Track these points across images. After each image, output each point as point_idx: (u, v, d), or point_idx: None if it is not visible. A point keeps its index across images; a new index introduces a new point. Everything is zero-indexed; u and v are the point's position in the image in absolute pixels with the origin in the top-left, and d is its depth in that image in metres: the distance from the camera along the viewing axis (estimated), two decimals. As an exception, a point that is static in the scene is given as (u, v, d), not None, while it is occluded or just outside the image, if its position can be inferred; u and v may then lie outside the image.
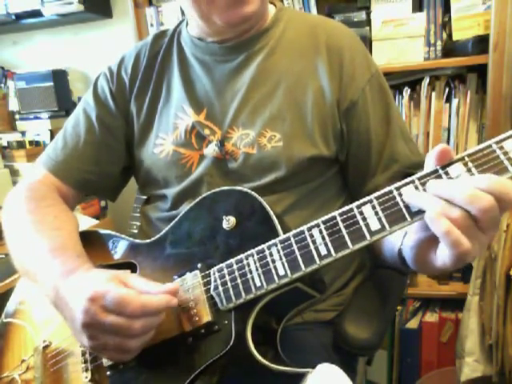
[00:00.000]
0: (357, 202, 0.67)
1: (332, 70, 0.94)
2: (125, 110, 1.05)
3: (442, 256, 0.62)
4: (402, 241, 0.76)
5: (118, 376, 0.81)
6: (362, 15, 1.74)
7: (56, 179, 1.04)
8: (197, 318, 0.76)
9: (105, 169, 1.07)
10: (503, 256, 1.50)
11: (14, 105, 2.40)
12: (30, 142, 2.22)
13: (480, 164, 0.60)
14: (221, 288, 0.76)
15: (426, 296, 1.92)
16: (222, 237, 0.80)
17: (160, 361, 0.79)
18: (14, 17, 2.20)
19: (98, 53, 2.38)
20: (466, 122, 1.71)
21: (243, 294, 0.74)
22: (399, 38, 1.71)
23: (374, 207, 0.65)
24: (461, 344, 1.67)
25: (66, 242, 0.88)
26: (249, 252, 0.75)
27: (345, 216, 0.67)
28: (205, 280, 0.78)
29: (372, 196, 0.66)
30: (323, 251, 0.68)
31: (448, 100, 1.72)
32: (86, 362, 0.84)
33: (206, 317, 0.76)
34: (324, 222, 0.69)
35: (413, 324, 1.92)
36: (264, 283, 0.72)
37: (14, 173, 2.18)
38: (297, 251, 0.70)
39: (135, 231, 1.82)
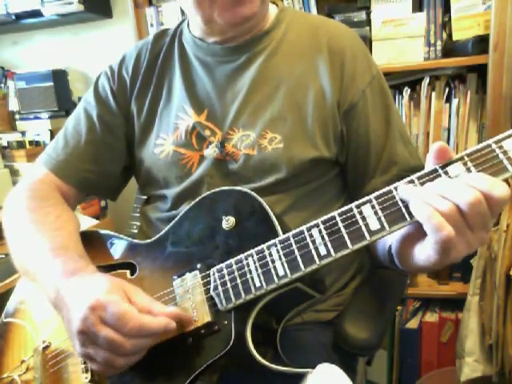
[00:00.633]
0: (356, 202, 0.67)
1: (333, 71, 0.94)
2: (125, 109, 1.05)
3: (427, 248, 0.63)
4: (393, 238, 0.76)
5: (118, 377, 0.81)
6: (362, 15, 1.73)
7: (57, 178, 1.04)
8: (197, 319, 0.76)
9: (106, 168, 1.06)
10: (503, 256, 1.50)
11: (14, 105, 2.40)
12: (30, 142, 2.22)
13: (479, 163, 0.60)
14: (220, 288, 0.76)
15: (425, 296, 1.92)
16: (221, 237, 0.80)
17: (160, 361, 0.79)
18: (14, 17, 2.20)
19: (98, 53, 2.38)
20: (465, 122, 1.71)
21: (243, 294, 0.74)
22: (399, 38, 1.71)
23: (373, 207, 0.65)
24: (461, 344, 1.67)
25: (68, 242, 0.88)
26: (248, 252, 0.75)
27: (344, 216, 0.68)
28: (204, 280, 0.78)
29: (371, 196, 0.66)
30: (323, 251, 0.68)
31: (448, 100, 1.72)
32: (85, 362, 0.84)
33: (206, 317, 0.76)
34: (323, 222, 0.69)
35: (413, 324, 1.91)
36: (264, 283, 0.72)
37: (14, 173, 2.18)
38: (296, 251, 0.70)
39: (135, 231, 1.82)
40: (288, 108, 0.94)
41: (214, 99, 0.98)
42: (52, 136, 2.25)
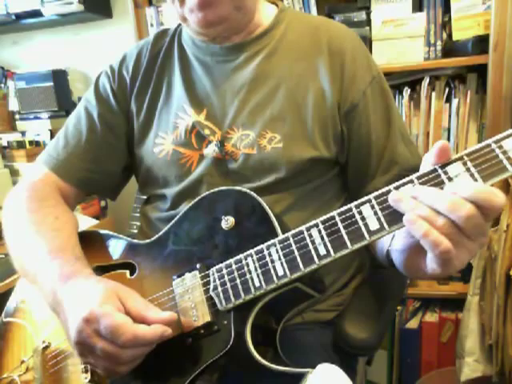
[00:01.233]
0: (355, 202, 0.67)
1: (333, 72, 0.94)
2: (126, 108, 1.05)
3: (430, 262, 0.63)
4: (390, 242, 0.76)
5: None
6: (362, 15, 1.73)
7: (57, 178, 1.04)
8: (196, 319, 0.76)
9: (106, 167, 1.06)
10: (503, 256, 1.50)
11: (14, 105, 2.40)
12: (30, 142, 2.22)
13: (479, 163, 0.60)
14: (220, 288, 0.76)
15: (426, 296, 1.92)
16: (220, 237, 0.80)
17: (160, 361, 0.79)
18: (14, 17, 2.20)
19: (98, 53, 2.38)
20: (465, 122, 1.71)
21: (242, 294, 0.74)
22: (399, 38, 1.71)
23: (372, 207, 0.65)
24: (461, 344, 1.67)
25: (65, 244, 0.88)
26: (248, 252, 0.75)
27: (344, 216, 0.68)
28: (204, 280, 0.78)
29: (371, 196, 0.66)
30: (322, 251, 0.68)
31: (448, 100, 1.72)
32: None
33: (206, 317, 0.76)
34: (323, 222, 0.69)
35: (413, 324, 1.91)
36: (263, 283, 0.72)
37: (14, 173, 2.18)
38: (296, 251, 0.70)
39: (135, 231, 1.82)
40: (288, 108, 0.94)
41: (213, 98, 0.98)
42: (52, 136, 2.25)
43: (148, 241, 0.90)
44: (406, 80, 1.77)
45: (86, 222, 1.93)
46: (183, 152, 0.97)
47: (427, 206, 0.60)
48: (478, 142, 1.72)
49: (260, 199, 0.79)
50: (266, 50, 0.98)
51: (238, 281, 0.74)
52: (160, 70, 1.04)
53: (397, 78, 1.77)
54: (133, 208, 1.92)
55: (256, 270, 0.73)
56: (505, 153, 0.59)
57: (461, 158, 0.61)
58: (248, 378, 0.75)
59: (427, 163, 0.64)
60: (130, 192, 1.25)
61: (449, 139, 1.74)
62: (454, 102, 1.70)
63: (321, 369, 0.73)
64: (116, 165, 1.08)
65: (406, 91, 1.74)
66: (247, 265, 0.74)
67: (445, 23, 1.71)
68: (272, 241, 0.73)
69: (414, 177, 0.64)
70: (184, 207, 0.89)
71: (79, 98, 2.36)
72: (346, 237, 0.67)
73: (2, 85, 2.45)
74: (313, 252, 0.69)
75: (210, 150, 0.95)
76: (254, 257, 0.74)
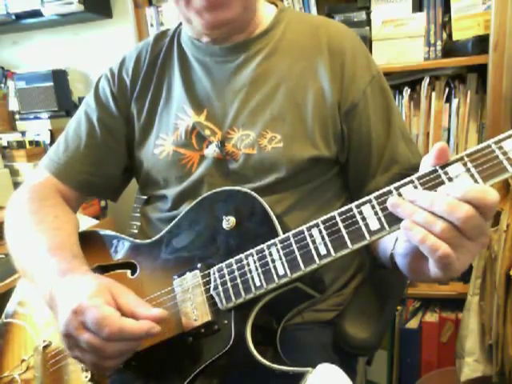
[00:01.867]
0: (356, 202, 0.67)
1: (333, 72, 0.94)
2: (126, 111, 1.05)
3: (431, 266, 0.63)
4: (393, 245, 0.76)
5: (118, 376, 0.81)
6: (362, 15, 1.73)
7: (58, 181, 1.04)
8: (197, 318, 0.76)
9: (106, 170, 1.07)
10: (503, 256, 1.50)
11: (14, 105, 2.41)
12: (30, 142, 2.22)
13: (479, 164, 0.60)
14: (220, 288, 0.76)
15: (425, 296, 1.92)
16: (221, 237, 0.80)
17: (160, 360, 0.79)
18: (14, 17, 2.21)
19: (98, 53, 2.38)
20: (465, 122, 1.71)
21: (243, 293, 0.74)
22: (399, 38, 1.71)
23: (373, 207, 0.65)
24: (461, 344, 1.67)
25: (64, 242, 0.88)
26: (248, 252, 0.75)
27: (344, 216, 0.68)
28: (205, 280, 0.78)
29: (371, 196, 0.66)
30: (323, 251, 0.68)
31: (448, 100, 1.72)
32: (85, 361, 0.84)
33: (206, 316, 0.76)
34: (323, 222, 0.69)
35: (413, 324, 1.91)
36: (264, 283, 0.72)
37: (14, 173, 2.18)
38: (296, 251, 0.70)
39: (135, 231, 1.82)
40: (288, 107, 0.94)
41: (213, 99, 0.98)
42: (52, 136, 2.25)
43: (149, 241, 0.90)
44: (406, 80, 1.77)
45: (86, 222, 1.93)
46: (184, 153, 0.98)
47: (425, 209, 0.60)
48: (477, 142, 1.72)
49: (261, 199, 0.79)
50: (266, 50, 0.98)
51: (238, 280, 0.74)
52: (160, 72, 1.04)
53: (397, 78, 1.77)
54: (133, 208, 1.92)
55: (257, 269, 0.73)
56: (505, 153, 0.59)
57: (461, 159, 0.61)
58: (248, 378, 0.75)
59: (426, 165, 0.64)
60: (130, 192, 1.25)
61: (449, 139, 1.74)
62: (454, 101, 1.70)
63: (321, 369, 0.73)
64: (116, 167, 1.08)
65: (406, 91, 1.74)
66: (248, 264, 0.74)
67: (445, 23, 1.71)
68: (273, 240, 0.73)
69: (414, 177, 0.64)
70: (185, 207, 0.90)
71: (79, 98, 2.36)
72: (346, 237, 0.67)
73: (2, 85, 2.45)
74: (313, 252, 0.69)
75: (211, 151, 0.95)
76: (255, 256, 0.74)
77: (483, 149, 0.60)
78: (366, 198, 0.67)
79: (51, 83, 2.28)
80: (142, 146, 1.03)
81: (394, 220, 0.64)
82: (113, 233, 0.96)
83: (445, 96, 1.71)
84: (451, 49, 1.70)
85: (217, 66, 0.99)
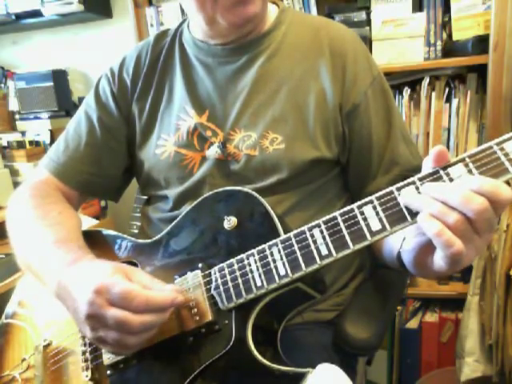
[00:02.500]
0: (358, 203, 0.67)
1: (335, 73, 0.94)
2: (126, 112, 1.05)
3: (438, 259, 0.63)
4: (401, 244, 0.76)
5: (119, 375, 0.81)
6: (362, 15, 1.74)
7: (58, 181, 1.04)
8: (197, 318, 0.76)
9: (106, 170, 1.07)
10: (503, 256, 1.50)
11: (14, 105, 2.40)
12: (30, 142, 2.22)
13: (481, 165, 0.60)
14: (222, 287, 0.76)
15: (426, 296, 1.92)
16: (223, 237, 0.80)
17: (160, 360, 0.79)
18: (13, 17, 2.21)
19: (98, 53, 2.38)
20: (465, 122, 1.71)
21: (244, 293, 0.74)
22: (399, 38, 1.71)
23: (374, 207, 0.66)
24: (461, 344, 1.67)
25: (69, 236, 0.88)
26: (250, 252, 0.75)
27: (346, 216, 0.68)
28: (206, 279, 0.78)
29: (373, 196, 0.66)
30: (324, 251, 0.68)
31: (448, 100, 1.72)
32: (86, 360, 0.84)
33: (207, 316, 0.76)
34: (325, 222, 0.69)
35: (413, 324, 1.92)
36: (265, 283, 0.72)
37: (14, 173, 2.18)
38: (297, 251, 0.70)
39: (135, 231, 1.82)
40: (289, 109, 0.94)
41: (215, 100, 0.98)
42: (52, 136, 2.25)
43: (150, 240, 0.90)
44: (406, 80, 1.77)
45: (86, 222, 1.93)
46: (185, 153, 0.98)
47: (439, 200, 0.60)
48: (478, 142, 1.72)
49: (262, 199, 0.79)
50: (268, 51, 0.98)
51: (239, 280, 0.74)
52: (161, 72, 1.04)
53: (397, 78, 1.77)
54: (133, 208, 1.92)
55: (258, 269, 0.73)
56: (506, 155, 0.59)
57: (462, 160, 0.61)
58: (248, 378, 0.76)
59: (427, 168, 0.64)
60: (130, 192, 1.25)
61: (449, 139, 1.74)
62: (454, 101, 1.71)
63: (321, 369, 0.73)
64: (116, 167, 1.08)
65: (406, 91, 1.74)
66: (249, 264, 0.74)
67: (445, 23, 1.71)
68: (274, 241, 0.73)
69: (416, 178, 0.64)
70: (186, 208, 0.90)
71: (79, 98, 2.36)
72: (347, 237, 0.67)
73: (2, 85, 2.45)
74: (314, 252, 0.69)
75: (212, 152, 0.95)
76: (256, 256, 0.74)
77: (485, 150, 0.61)
78: (368, 198, 0.67)
79: (51, 83, 2.27)
80: (143, 147, 1.03)
81: (395, 220, 0.64)
82: (114, 232, 0.97)
83: (445, 96, 1.72)
84: (451, 49, 1.70)
85: (219, 66, 0.99)
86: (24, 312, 0.99)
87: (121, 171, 1.09)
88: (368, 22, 1.74)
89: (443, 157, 0.62)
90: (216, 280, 0.77)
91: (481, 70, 1.66)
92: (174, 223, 0.88)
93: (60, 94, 2.30)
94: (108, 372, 0.81)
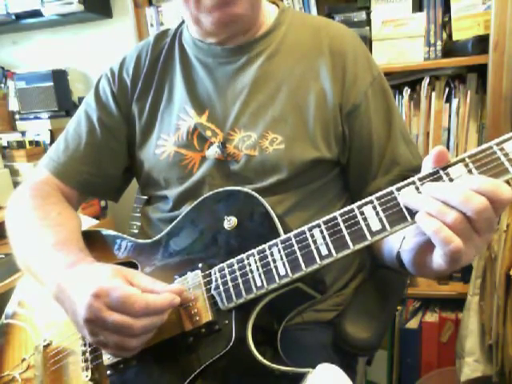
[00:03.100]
0: (358, 203, 0.67)
1: (335, 74, 0.94)
2: (126, 112, 1.05)
3: (437, 258, 0.63)
4: (400, 244, 0.76)
5: (119, 375, 0.81)
6: (362, 15, 1.74)
7: (58, 181, 1.04)
8: (197, 318, 0.76)
9: (106, 170, 1.07)
10: (503, 256, 1.50)
11: (14, 105, 2.40)
12: (30, 142, 2.22)
13: (481, 165, 0.61)
14: (222, 287, 0.76)
15: (426, 296, 1.92)
16: (223, 237, 0.80)
17: (160, 360, 0.79)
18: (13, 17, 2.21)
19: (98, 53, 2.38)
20: (465, 122, 1.71)
21: (244, 293, 0.74)
22: (399, 38, 1.71)
23: (374, 207, 0.66)
24: (461, 344, 1.67)
25: (69, 237, 0.88)
26: (250, 252, 0.75)
27: (346, 216, 0.68)
28: (206, 279, 0.78)
29: (373, 196, 0.66)
30: (324, 251, 0.68)
31: (448, 100, 1.72)
32: (86, 361, 0.84)
33: (207, 316, 0.76)
34: (325, 223, 0.69)
35: (413, 324, 1.92)
36: (265, 283, 0.72)
37: (14, 173, 2.18)
38: (298, 251, 0.70)
39: (135, 231, 1.82)
40: (289, 109, 0.94)
41: (214, 100, 0.98)
42: (52, 136, 2.25)
43: (150, 240, 0.90)
44: (406, 80, 1.77)
45: (86, 222, 1.93)
46: (185, 153, 0.98)
47: (439, 200, 0.60)
48: (477, 142, 1.73)
49: (262, 199, 0.79)
50: (268, 51, 0.98)
51: (239, 280, 0.74)
52: (161, 72, 1.04)
53: (397, 78, 1.77)
54: (133, 208, 1.92)
55: (258, 269, 0.73)
56: (506, 155, 0.59)
57: (462, 160, 0.62)
58: (248, 378, 0.76)
59: (427, 168, 0.64)
60: (130, 192, 1.25)
61: (449, 139, 1.74)
62: (454, 101, 1.70)
63: (321, 369, 0.73)
64: (116, 167, 1.08)
65: (406, 91, 1.74)
66: (249, 264, 0.74)
67: (445, 23, 1.71)
68: (274, 241, 0.73)
69: (415, 178, 0.64)
70: (186, 208, 0.90)
71: (79, 98, 2.36)
72: (347, 237, 0.67)
73: (2, 85, 2.45)
74: (314, 252, 0.69)
75: (212, 152, 0.95)
76: (256, 256, 0.74)
77: (485, 150, 0.61)
78: (368, 198, 0.67)
79: (51, 83, 2.27)
80: (143, 147, 1.03)
81: (395, 220, 0.64)
82: (114, 232, 0.97)
83: (445, 96, 1.72)
84: (451, 49, 1.70)
85: (219, 66, 0.99)
86: (24, 312, 0.99)
87: (121, 171, 1.09)
88: (368, 22, 1.74)
89: (443, 157, 0.62)
90: (216, 280, 0.77)
91: (481, 70, 1.66)
92: (174, 223, 0.88)
93: (60, 94, 2.30)
94: (108, 372, 0.81)
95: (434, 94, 1.72)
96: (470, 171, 0.61)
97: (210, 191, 0.86)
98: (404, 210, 0.64)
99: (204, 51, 1.00)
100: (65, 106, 2.33)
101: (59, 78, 2.32)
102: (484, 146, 0.61)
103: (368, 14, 1.74)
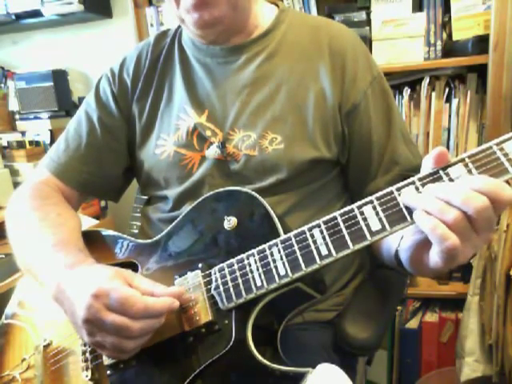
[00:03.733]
0: (358, 203, 0.67)
1: (334, 73, 0.94)
2: (127, 112, 1.05)
3: (434, 255, 0.63)
4: (398, 243, 0.76)
5: (119, 375, 0.81)
6: (362, 15, 1.73)
7: (58, 181, 1.04)
8: (197, 318, 0.76)
9: (107, 170, 1.07)
10: (503, 256, 1.50)
11: (14, 105, 2.40)
12: (30, 142, 2.22)
13: (480, 165, 0.61)
14: (222, 287, 0.76)
15: (425, 296, 1.92)
16: (223, 237, 0.80)
17: (160, 360, 0.79)
18: (13, 17, 2.21)
19: (98, 53, 2.38)
20: (465, 122, 1.71)
21: (244, 293, 0.74)
22: (399, 38, 1.71)
23: (374, 208, 0.66)
24: (461, 344, 1.67)
25: (69, 237, 0.89)
26: (250, 252, 0.75)
27: (346, 216, 0.68)
28: (206, 279, 0.78)
29: (373, 196, 0.66)
30: (324, 251, 0.68)
31: (448, 100, 1.72)
32: (86, 360, 0.84)
33: (207, 316, 0.76)
34: (325, 223, 0.69)
35: (413, 324, 1.92)
36: (265, 283, 0.72)
37: (14, 173, 2.18)
38: (297, 251, 0.70)
39: (135, 231, 1.82)
40: (288, 109, 0.94)
41: (214, 100, 0.98)
42: (52, 136, 2.25)
43: (150, 240, 0.90)
44: (406, 80, 1.77)
45: (86, 222, 1.93)
46: (185, 153, 0.98)
47: (440, 199, 0.60)
48: (478, 142, 1.72)
49: (262, 200, 0.79)
50: (267, 51, 0.98)
51: (239, 280, 0.74)
52: (161, 73, 1.04)
53: (397, 78, 1.77)
54: (133, 208, 1.92)
55: (258, 269, 0.73)
56: (506, 155, 0.60)
57: (462, 160, 0.62)
58: (248, 378, 0.76)
59: (426, 168, 0.64)
60: (130, 192, 1.25)
61: (449, 139, 1.74)
62: (454, 101, 1.70)
63: (321, 369, 0.73)
64: (117, 167, 1.08)
65: (406, 91, 1.74)
66: (249, 264, 0.74)
67: (445, 23, 1.71)
68: (274, 241, 0.73)
69: (415, 178, 0.64)
70: (186, 208, 0.90)
71: (79, 98, 2.36)
72: (347, 237, 0.67)
73: (2, 85, 2.45)
74: (314, 252, 0.69)
75: (212, 152, 0.95)
76: (256, 256, 0.74)
77: (484, 150, 0.61)
78: (368, 198, 0.67)
79: (51, 83, 2.27)
80: (143, 147, 1.03)
81: (395, 220, 0.64)
82: (114, 232, 0.97)
83: (445, 96, 1.71)
84: (451, 49, 1.70)
85: (218, 66, 0.99)
86: (24, 312, 0.99)
87: (121, 171, 1.09)
88: (368, 22, 1.74)
89: (443, 158, 0.62)
90: (216, 280, 0.77)
91: (481, 70, 1.66)
92: (174, 223, 0.88)
93: (60, 94, 2.30)
94: (108, 372, 0.82)
95: (433, 94, 1.72)
96: (469, 171, 0.61)
97: (210, 191, 0.86)
98: (404, 209, 0.64)
99: (203, 51, 1.00)
100: (65, 106, 2.33)
101: (59, 77, 2.32)
102: (484, 146, 0.61)
103: (368, 14, 1.74)
